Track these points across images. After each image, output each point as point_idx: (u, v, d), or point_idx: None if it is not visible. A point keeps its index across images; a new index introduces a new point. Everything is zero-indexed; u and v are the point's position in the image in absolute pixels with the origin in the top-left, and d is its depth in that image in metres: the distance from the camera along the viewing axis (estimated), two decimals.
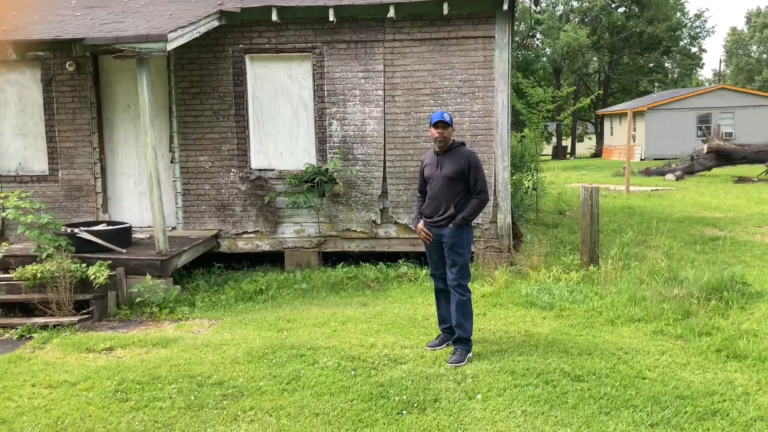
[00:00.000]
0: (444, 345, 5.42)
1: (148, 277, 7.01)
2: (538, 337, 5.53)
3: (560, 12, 53.74)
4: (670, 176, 20.79)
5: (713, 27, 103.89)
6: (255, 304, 7.17)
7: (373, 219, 8.51)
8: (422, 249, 8.57)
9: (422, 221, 5.34)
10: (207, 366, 5.19)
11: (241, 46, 8.51)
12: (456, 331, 5.22)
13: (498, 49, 8.17)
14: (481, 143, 8.31)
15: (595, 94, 21.08)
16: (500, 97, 8.22)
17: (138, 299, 6.91)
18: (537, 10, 46.78)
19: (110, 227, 7.82)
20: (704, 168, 21.51)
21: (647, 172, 23.07)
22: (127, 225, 8.02)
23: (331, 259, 8.76)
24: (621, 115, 38.85)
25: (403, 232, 8.52)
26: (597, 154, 48.29)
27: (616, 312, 5.92)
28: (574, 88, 13.98)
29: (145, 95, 7.15)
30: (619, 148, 38.70)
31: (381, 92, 8.39)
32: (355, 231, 8.56)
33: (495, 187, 8.31)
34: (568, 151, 52.31)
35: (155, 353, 5.63)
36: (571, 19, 54.46)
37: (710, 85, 49.82)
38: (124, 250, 7.50)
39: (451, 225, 5.11)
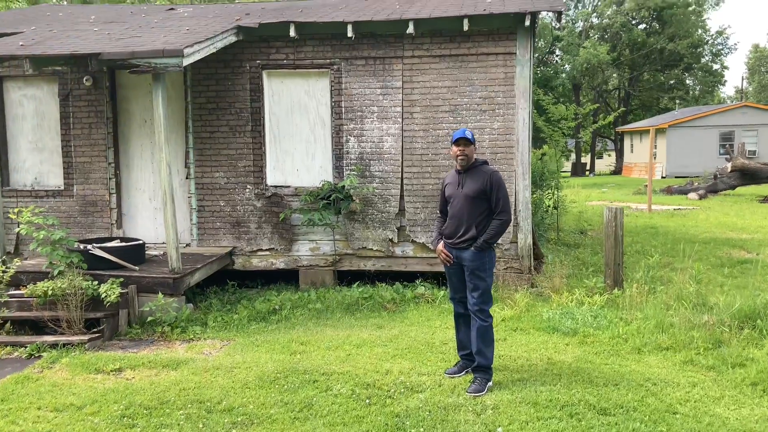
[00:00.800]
0: (463, 372, 5.21)
1: (160, 295, 6.88)
2: (561, 365, 5.29)
3: (580, 28, 53.51)
4: (693, 195, 20.40)
5: (735, 44, 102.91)
6: (268, 324, 7.00)
7: (390, 237, 8.33)
8: (440, 269, 8.39)
9: (442, 242, 5.16)
10: (217, 391, 5.02)
11: (258, 61, 8.42)
12: (476, 358, 5.02)
13: (519, 65, 8.00)
14: (501, 161, 8.12)
15: (618, 111, 20.72)
16: (521, 114, 8.03)
17: (149, 318, 6.77)
18: (558, 27, 46.66)
19: (123, 244, 7.72)
20: (728, 187, 21.09)
21: (669, 191, 22.68)
22: (141, 242, 7.91)
23: (346, 277, 8.59)
24: (641, 132, 38.44)
25: (421, 251, 8.33)
26: (617, 171, 47.83)
27: (642, 339, 5.67)
28: (597, 105, 13.76)
29: (160, 110, 7.06)
30: (640, 166, 38.26)
31: (399, 109, 8.24)
32: (371, 249, 8.38)
33: (516, 206, 8.10)
34: (588, 167, 51.89)
35: (165, 375, 5.47)
36: (591, 35, 54.19)
37: (732, 102, 49.19)
38: (137, 268, 7.38)
39: (472, 248, 4.92)
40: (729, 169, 20.84)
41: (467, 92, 8.14)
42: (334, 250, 8.44)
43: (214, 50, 7.63)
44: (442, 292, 7.68)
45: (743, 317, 5.71)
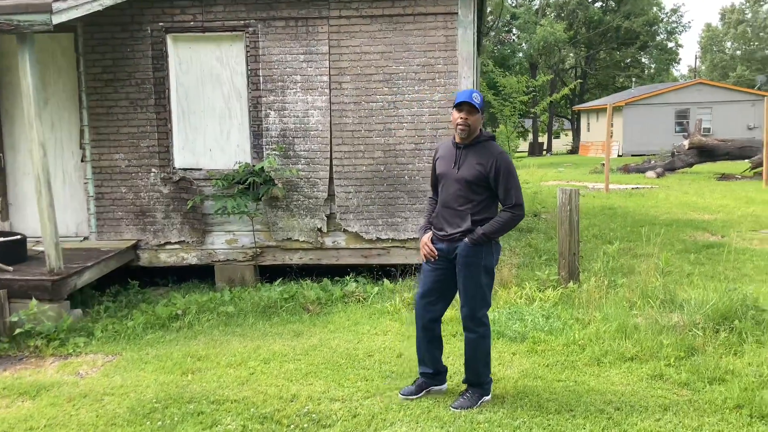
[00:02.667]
0: (422, 393, 4.23)
1: (33, 302, 5.73)
2: (505, 383, 4.35)
3: (536, 6, 52.85)
4: (650, 173, 19.84)
5: (689, 22, 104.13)
6: (167, 333, 5.90)
7: (319, 227, 7.28)
8: (376, 262, 7.40)
9: (429, 233, 4.13)
10: (72, 431, 3.93)
11: (161, 24, 7.21)
12: (466, 374, 4.13)
13: (461, 27, 6.98)
14: (443, 138, 7.12)
15: (574, 84, 19.93)
16: (464, 83, 7.03)
17: (18, 330, 5.61)
18: (513, 3, 45.83)
19: None
20: (685, 164, 20.60)
21: (626, 169, 22.12)
22: (19, 237, 6.70)
23: (271, 273, 7.52)
24: (598, 111, 38.00)
25: (354, 242, 7.31)
26: (574, 150, 47.55)
27: (602, 347, 4.76)
28: (552, 75, 12.95)
29: (29, 79, 5.84)
30: (596, 145, 37.90)
31: (326, 78, 7.15)
32: (298, 241, 7.32)
33: None
34: (545, 147, 51.50)
35: (16, 408, 4.36)
36: (548, 13, 53.62)
37: (686, 81, 49.29)
38: (11, 268, 6.19)
39: (466, 239, 3.91)
40: (687, 147, 20.33)
41: (404, 58, 7.10)
42: (255, 242, 7.35)
43: (100, 8, 6.41)
44: (376, 289, 6.69)
45: (719, 317, 4.85)
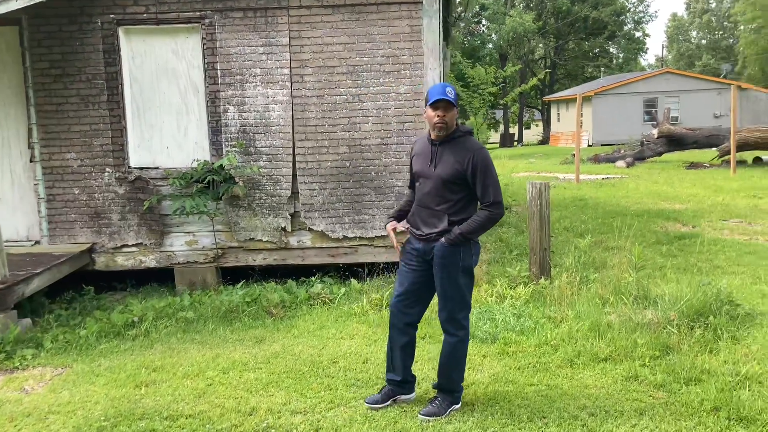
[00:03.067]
0: (388, 402, 4.01)
1: None
2: (476, 388, 4.15)
3: None
4: (620, 163, 19.88)
5: (656, 12, 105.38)
6: (122, 342, 5.59)
7: (283, 226, 7.01)
8: (344, 261, 7.16)
9: (393, 222, 4.05)
10: None
11: (112, 16, 6.86)
12: (438, 379, 3.91)
13: (427, 17, 6.75)
14: (409, 132, 6.90)
15: (543, 73, 19.80)
16: (431, 75, 6.81)
17: None
18: None
19: None
20: (655, 153, 20.69)
21: (596, 159, 22.15)
22: None
23: (234, 275, 7.23)
24: (568, 101, 38.14)
25: (320, 241, 7.06)
26: (544, 141, 47.75)
27: (575, 347, 4.59)
28: (520, 65, 12.84)
29: None
30: (566, 135, 38.06)
31: (287, 71, 6.87)
32: (261, 241, 7.05)
33: None
34: (516, 138, 51.64)
35: None
36: (516, 4, 53.66)
37: (654, 70, 49.74)
38: None
39: (442, 239, 3.72)
40: (656, 136, 20.42)
41: (367, 50, 6.85)
42: (216, 243, 7.06)
43: None
44: (343, 290, 6.46)
45: (693, 313, 4.71)
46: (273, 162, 6.96)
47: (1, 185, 7.26)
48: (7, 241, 7.24)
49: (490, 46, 52.61)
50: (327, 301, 6.23)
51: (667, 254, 7.33)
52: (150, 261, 7.12)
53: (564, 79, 56.87)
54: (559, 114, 42.41)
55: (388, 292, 6.10)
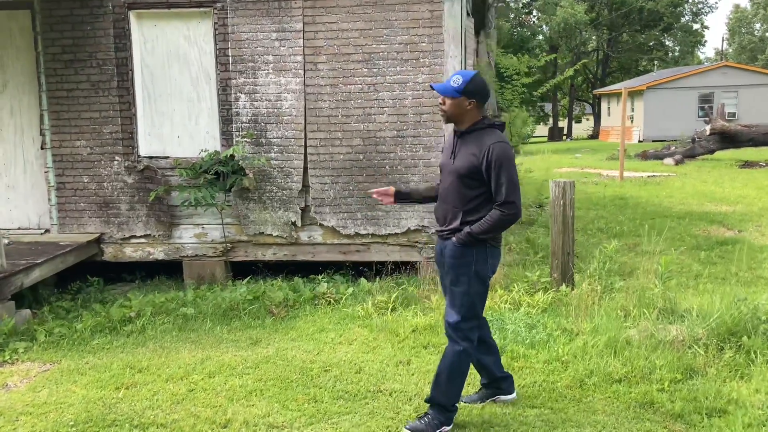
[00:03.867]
0: (485, 401, 3.87)
1: None
2: (470, 408, 3.76)
3: None
4: (668, 160, 18.97)
5: (716, 2, 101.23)
6: (116, 337, 5.39)
7: (293, 220, 6.72)
8: (356, 258, 6.83)
9: (391, 188, 3.90)
10: None
11: (123, 0, 6.66)
12: (431, 392, 3.59)
13: (448, 1, 6.32)
14: (427, 124, 6.51)
15: (579, 64, 18.84)
16: (451, 63, 6.39)
17: None
18: None
19: None
20: (706, 151, 19.68)
21: (644, 156, 21.24)
22: None
23: (244, 270, 6.99)
24: (618, 95, 36.82)
25: (332, 237, 6.74)
26: (594, 135, 46.40)
27: (587, 365, 4.15)
28: (555, 55, 12.26)
29: None
30: (616, 130, 36.79)
31: (300, 58, 6.55)
32: (271, 236, 6.77)
33: None
34: (565, 132, 50.35)
35: None
36: None
37: (712, 63, 47.72)
38: None
39: (453, 238, 3.47)
40: (708, 132, 19.40)
41: (384, 36, 6.47)
42: (225, 237, 6.82)
43: None
44: (350, 290, 6.12)
45: (724, 332, 4.20)
46: (284, 153, 6.67)
47: (15, 173, 7.18)
48: (18, 229, 7.19)
49: (540, 37, 51.40)
50: (332, 301, 5.91)
51: (706, 261, 6.75)
52: (158, 253, 6.93)
53: (617, 72, 55.16)
54: (609, 108, 41.09)
55: (395, 294, 5.75)
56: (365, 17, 6.45)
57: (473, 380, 4.13)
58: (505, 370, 4.27)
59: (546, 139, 47.20)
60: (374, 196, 3.87)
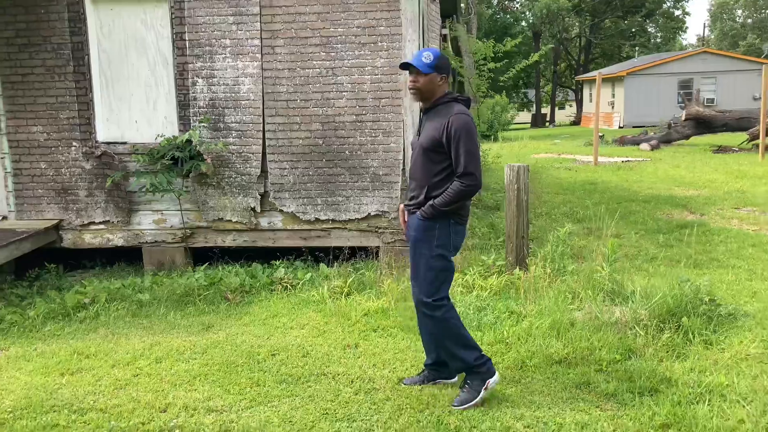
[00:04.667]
0: (426, 384, 3.85)
1: None
2: (408, 395, 3.77)
3: None
4: (644, 146, 19.08)
5: None
6: (69, 324, 5.36)
7: (252, 206, 6.69)
8: (316, 244, 6.82)
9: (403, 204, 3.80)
10: None
11: None
12: (450, 365, 3.67)
13: None
14: (386, 108, 6.49)
15: (545, 49, 18.75)
16: (409, 47, 6.35)
17: None
18: None
19: None
20: (682, 137, 19.81)
21: (622, 141, 21.33)
22: None
23: (207, 256, 6.96)
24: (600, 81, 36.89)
25: (292, 223, 6.72)
26: (576, 121, 46.53)
27: (529, 347, 4.18)
28: (519, 40, 12.18)
29: None
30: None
31: (257, 42, 6.49)
32: (230, 221, 6.74)
33: (404, 164, 6.51)
34: (548, 119, 50.46)
35: None
36: None
37: (692, 50, 47.87)
38: None
39: (417, 213, 3.51)
40: (683, 118, 19.52)
41: (342, 20, 6.42)
42: (184, 223, 6.78)
43: None
44: (309, 275, 6.12)
45: (665, 313, 4.25)
46: (243, 138, 6.62)
47: None
48: None
49: (524, 24, 51.33)
50: (289, 286, 5.90)
51: (664, 244, 6.81)
52: (117, 239, 6.88)
53: (600, 58, 55.27)
54: (591, 94, 41.13)
55: (351, 279, 5.75)
56: (322, 0, 6.40)
57: (418, 364, 4.16)
58: None
59: (529, 125, 47.28)
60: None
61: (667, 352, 3.96)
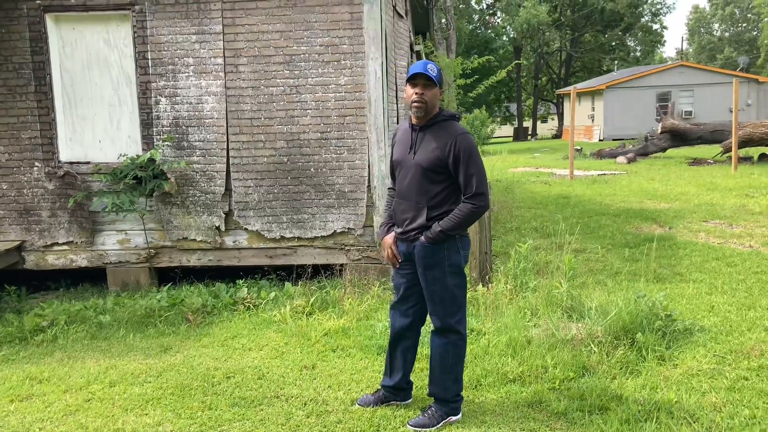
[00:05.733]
0: (379, 405, 3.77)
1: None
2: (360, 417, 3.72)
3: None
4: (621, 159, 19.24)
5: (674, 3, 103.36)
6: (25, 348, 5.26)
7: (217, 225, 6.64)
8: (282, 262, 6.78)
9: (392, 233, 3.60)
10: None
11: (38, 1, 6.51)
12: (430, 388, 3.61)
13: (367, 3, 6.31)
14: (350, 126, 6.48)
15: (512, 65, 18.84)
16: (372, 65, 6.37)
17: None
18: None
19: None
20: (659, 149, 20.01)
21: (599, 155, 21.51)
22: None
23: (171, 276, 6.89)
24: (580, 95, 37.31)
25: (257, 241, 6.67)
26: (558, 135, 46.90)
27: (485, 365, 4.15)
28: (488, 57, 12.21)
29: None
30: (579, 129, 37.28)
31: (221, 60, 6.48)
32: (195, 240, 6.68)
33: (370, 181, 6.51)
34: (530, 132, 50.82)
35: None
36: None
37: (669, 63, 48.55)
38: None
39: (421, 238, 3.38)
40: (659, 131, 19.73)
41: (305, 38, 6.43)
42: (148, 243, 6.71)
43: None
44: (272, 294, 6.06)
45: (620, 329, 4.24)
46: (207, 157, 6.59)
47: None
48: None
49: (504, 38, 51.78)
50: (251, 306, 5.85)
51: (630, 258, 6.83)
52: (81, 260, 6.79)
53: (580, 72, 55.89)
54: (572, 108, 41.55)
55: (314, 297, 5.71)
56: (285, 19, 6.40)
57: (373, 384, 4.12)
58: None
59: (511, 139, 47.59)
60: (394, 259, 3.60)
61: (621, 368, 3.96)
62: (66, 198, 6.69)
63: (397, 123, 7.98)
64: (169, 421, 3.81)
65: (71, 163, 6.71)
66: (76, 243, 6.76)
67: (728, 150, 16.98)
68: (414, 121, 3.50)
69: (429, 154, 3.38)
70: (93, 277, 7.03)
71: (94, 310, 5.95)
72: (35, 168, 6.72)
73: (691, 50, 71.86)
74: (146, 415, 3.91)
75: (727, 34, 70.76)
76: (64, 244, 6.78)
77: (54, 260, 6.82)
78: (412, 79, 3.40)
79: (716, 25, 71.86)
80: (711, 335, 4.41)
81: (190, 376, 4.43)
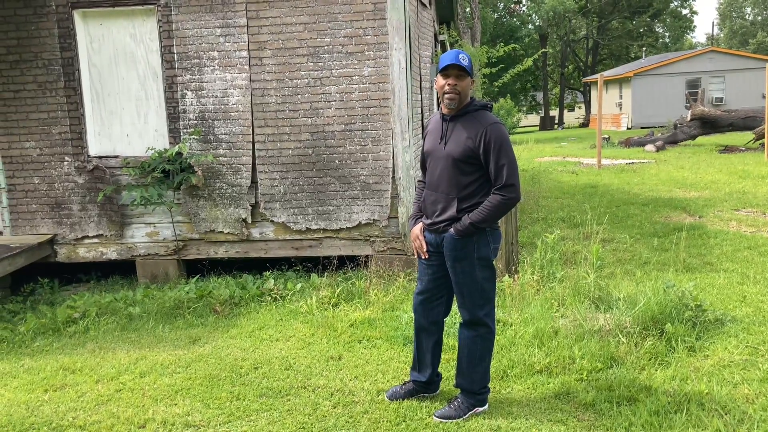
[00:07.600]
0: (409, 398, 3.77)
1: None
2: (387, 408, 3.73)
3: None
4: (650, 147, 18.93)
5: None
6: (58, 339, 5.38)
7: (243, 217, 6.69)
8: (308, 254, 6.82)
9: (419, 224, 3.57)
10: None
11: None
12: (456, 379, 3.61)
13: None
14: (374, 117, 6.48)
15: (539, 53, 18.52)
16: (396, 56, 6.35)
17: None
18: None
19: None
20: (688, 137, 19.64)
21: (627, 143, 21.20)
22: None
23: (200, 267, 6.97)
24: (608, 83, 36.78)
25: (283, 233, 6.72)
26: (585, 123, 46.33)
27: (512, 356, 4.14)
28: (513, 45, 12.04)
29: None
30: (606, 117, 36.75)
31: (245, 53, 6.51)
32: (222, 233, 6.75)
33: (394, 173, 6.50)
34: (557, 121, 50.29)
35: None
36: None
37: (699, 49, 47.58)
38: None
39: (451, 230, 3.36)
40: (689, 118, 19.36)
41: (329, 30, 6.43)
42: (176, 235, 6.79)
43: None
44: (299, 285, 6.10)
45: (649, 320, 4.19)
46: (232, 150, 6.64)
47: None
48: None
49: (530, 27, 51.22)
50: (278, 297, 5.89)
51: (658, 248, 6.73)
52: (111, 253, 6.91)
53: (607, 59, 55.07)
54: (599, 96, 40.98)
55: (340, 289, 5.74)
56: (309, 11, 6.41)
57: (399, 375, 4.13)
58: None
59: (538, 128, 47.14)
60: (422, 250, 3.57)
61: (650, 359, 3.91)
62: (95, 192, 6.79)
63: (421, 114, 7.96)
64: (197, 411, 3.86)
65: (100, 157, 6.81)
66: (106, 236, 6.87)
67: (761, 137, 16.61)
68: (445, 111, 3.45)
69: (460, 145, 3.34)
70: (123, 270, 7.14)
71: (124, 301, 6.05)
72: (65, 162, 6.83)
73: (722, 35, 70.25)
74: (175, 405, 3.96)
75: (759, 18, 68.98)
76: (94, 237, 6.89)
77: (85, 253, 6.94)
78: (444, 70, 3.36)
79: (749, 9, 70.08)
80: (743, 326, 4.33)
81: (218, 366, 4.49)
